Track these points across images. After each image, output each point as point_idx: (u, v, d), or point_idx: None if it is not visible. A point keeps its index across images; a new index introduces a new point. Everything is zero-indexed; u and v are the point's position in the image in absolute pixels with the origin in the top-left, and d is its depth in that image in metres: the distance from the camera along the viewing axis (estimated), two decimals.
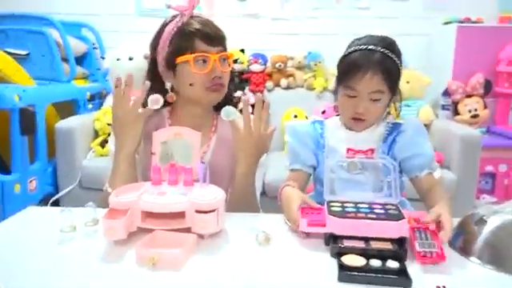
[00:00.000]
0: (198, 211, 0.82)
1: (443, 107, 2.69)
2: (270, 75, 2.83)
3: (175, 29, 1.06)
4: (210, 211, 0.82)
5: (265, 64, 2.83)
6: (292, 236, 0.88)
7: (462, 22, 2.66)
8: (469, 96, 2.60)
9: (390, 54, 1.03)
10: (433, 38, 2.88)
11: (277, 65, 2.79)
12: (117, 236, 0.80)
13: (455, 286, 0.68)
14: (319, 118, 1.22)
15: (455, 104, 2.63)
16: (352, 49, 1.06)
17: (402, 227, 0.81)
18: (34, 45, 2.40)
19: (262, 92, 2.78)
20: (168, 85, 1.11)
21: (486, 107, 2.60)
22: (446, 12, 2.82)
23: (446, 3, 2.89)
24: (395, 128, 1.11)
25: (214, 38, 1.07)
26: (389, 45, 1.05)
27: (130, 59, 2.55)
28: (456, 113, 2.63)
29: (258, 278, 0.72)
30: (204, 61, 1.06)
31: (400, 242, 0.80)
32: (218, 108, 1.17)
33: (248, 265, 0.76)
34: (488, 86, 2.61)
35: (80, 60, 2.73)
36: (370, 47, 1.03)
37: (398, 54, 1.05)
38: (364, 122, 1.08)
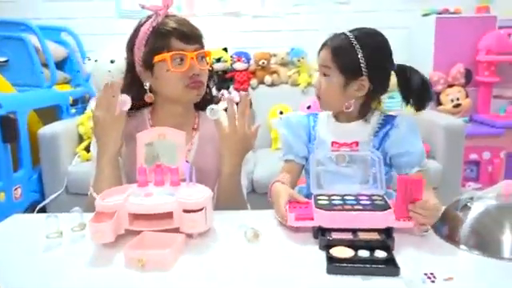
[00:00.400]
0: (185, 211, 0.82)
1: None
2: (253, 73, 2.83)
3: (150, 28, 1.05)
4: (198, 210, 0.82)
5: (248, 62, 2.83)
6: (281, 231, 0.89)
7: (440, 14, 2.70)
8: (450, 86, 2.65)
9: (352, 39, 1.03)
10: (413, 30, 2.91)
11: (260, 62, 2.80)
12: (105, 239, 0.80)
13: (443, 273, 0.69)
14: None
15: (437, 94, 2.67)
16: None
17: (388, 217, 0.82)
18: (12, 51, 2.36)
19: (246, 90, 2.78)
20: (147, 85, 1.10)
21: (467, 96, 2.65)
22: (424, 4, 2.86)
23: None
24: (388, 121, 1.11)
25: (190, 36, 1.07)
26: (361, 34, 1.05)
27: (112, 62, 2.52)
28: (439, 103, 2.67)
29: (247, 275, 0.72)
30: (181, 59, 1.05)
31: (387, 231, 0.81)
32: (198, 106, 1.17)
33: (238, 262, 0.76)
34: (469, 76, 2.66)
35: (61, 65, 2.70)
36: (341, 31, 1.07)
37: (368, 46, 1.03)
38: (320, 101, 1.11)
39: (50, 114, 2.37)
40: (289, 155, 1.15)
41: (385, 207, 0.84)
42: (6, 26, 2.45)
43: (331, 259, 0.73)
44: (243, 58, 2.81)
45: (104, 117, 1.04)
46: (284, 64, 2.88)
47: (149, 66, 1.07)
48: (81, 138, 2.32)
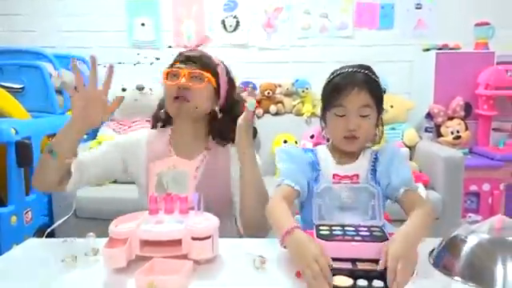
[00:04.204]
0: (193, 238, 0.87)
1: (426, 129, 2.78)
2: (259, 102, 2.90)
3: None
4: (206, 238, 0.87)
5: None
6: (285, 258, 0.91)
7: (440, 49, 2.78)
8: (450, 118, 2.70)
9: (371, 75, 1.09)
10: (414, 63, 3.00)
11: (266, 92, 2.89)
12: (117, 264, 0.84)
13: None
14: (309, 146, 1.26)
15: (438, 126, 2.72)
16: (334, 74, 1.12)
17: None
18: (28, 78, 2.46)
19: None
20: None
21: (467, 129, 2.70)
22: (425, 39, 2.96)
23: (425, 31, 3.03)
24: (376, 156, 1.13)
25: (190, 57, 1.18)
26: (367, 68, 1.10)
27: (123, 90, 2.63)
28: (439, 135, 2.72)
29: None
30: (174, 75, 1.15)
31: None
32: (213, 133, 1.23)
33: (242, 283, 0.81)
34: (468, 109, 2.72)
35: None
36: (349, 70, 1.09)
37: (376, 77, 1.11)
38: (357, 140, 1.08)
39: None
40: (288, 180, 1.09)
41: (383, 238, 0.88)
42: (23, 54, 2.58)
43: None
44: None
45: (96, 98, 1.05)
46: (289, 94, 2.97)
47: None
48: None
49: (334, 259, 0.84)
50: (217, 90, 1.21)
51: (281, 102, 2.93)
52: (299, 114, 2.89)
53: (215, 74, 1.19)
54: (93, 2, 3.05)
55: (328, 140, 1.20)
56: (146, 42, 2.99)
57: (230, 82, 1.26)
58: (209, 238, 0.87)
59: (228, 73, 1.26)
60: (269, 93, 2.89)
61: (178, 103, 1.15)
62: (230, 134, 1.15)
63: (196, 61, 1.18)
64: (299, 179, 1.09)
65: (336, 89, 1.07)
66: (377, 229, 0.94)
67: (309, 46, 3.06)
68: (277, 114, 2.91)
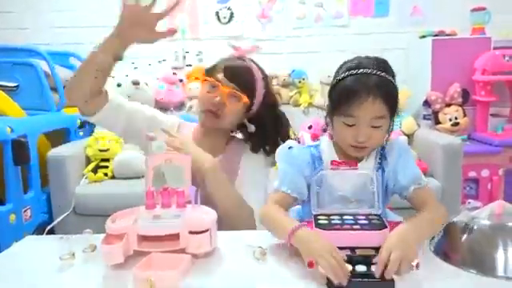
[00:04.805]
0: (191, 232, 0.86)
1: (424, 117, 2.78)
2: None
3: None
4: (203, 231, 0.86)
5: None
6: (284, 250, 0.90)
7: (436, 35, 2.77)
8: (448, 105, 2.70)
9: (386, 76, 0.96)
10: (410, 51, 2.99)
11: None
12: (115, 260, 0.84)
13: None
14: (307, 137, 1.23)
15: (436, 113, 2.72)
16: (344, 74, 0.98)
17: (384, 236, 0.86)
18: (22, 76, 2.44)
19: None
20: None
21: (465, 115, 2.70)
22: (420, 26, 2.95)
23: (421, 18, 3.01)
24: (382, 152, 1.07)
25: (235, 75, 1.19)
26: (382, 66, 0.98)
27: (118, 85, 2.62)
28: (437, 122, 2.72)
29: (250, 285, 0.76)
30: (213, 86, 1.18)
31: None
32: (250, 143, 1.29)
33: (242, 280, 0.80)
34: (466, 95, 2.72)
35: None
36: (364, 71, 0.96)
37: (393, 75, 1.00)
38: (365, 150, 1.01)
39: (59, 136, 2.43)
40: (285, 187, 1.03)
41: (381, 226, 0.88)
42: (17, 52, 2.55)
43: None
44: None
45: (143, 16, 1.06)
46: (285, 85, 2.95)
47: None
48: (88, 160, 2.38)
49: None
50: (250, 104, 1.22)
51: (278, 93, 2.91)
52: (296, 104, 2.88)
53: (253, 91, 1.21)
54: None
55: (325, 130, 1.17)
56: None
57: (268, 95, 1.27)
58: (206, 231, 0.87)
59: (267, 85, 1.27)
60: None
61: (208, 117, 1.19)
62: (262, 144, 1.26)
63: (238, 79, 1.19)
64: (297, 184, 1.03)
65: (347, 95, 0.95)
66: (375, 217, 0.94)
67: (304, 36, 3.04)
68: None
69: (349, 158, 1.03)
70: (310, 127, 2.67)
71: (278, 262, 0.86)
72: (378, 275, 0.76)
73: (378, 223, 0.90)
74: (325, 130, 1.17)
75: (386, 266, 0.76)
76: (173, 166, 1.06)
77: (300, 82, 2.88)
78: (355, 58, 1.01)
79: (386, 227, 0.87)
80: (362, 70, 0.96)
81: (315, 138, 2.20)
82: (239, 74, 1.20)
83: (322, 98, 2.77)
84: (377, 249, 0.84)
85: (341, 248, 0.84)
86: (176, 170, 1.05)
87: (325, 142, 1.10)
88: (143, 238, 0.88)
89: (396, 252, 0.77)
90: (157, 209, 0.94)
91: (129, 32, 1.07)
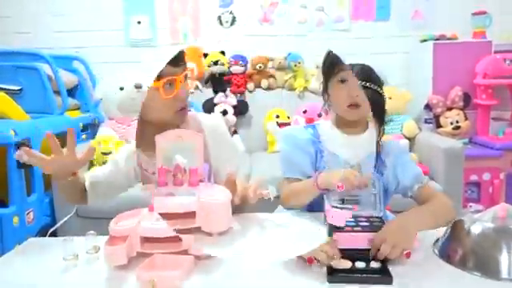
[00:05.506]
0: (207, 211, 0.81)
1: (426, 121, 2.78)
2: (250, 76, 2.88)
3: None
4: (221, 209, 0.82)
5: (245, 65, 2.87)
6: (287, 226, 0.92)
7: (437, 39, 2.78)
8: (449, 109, 2.70)
9: (371, 86, 1.06)
10: (412, 55, 3.00)
11: (257, 66, 2.85)
12: (118, 262, 0.85)
13: None
14: (302, 121, 1.25)
15: (437, 117, 2.72)
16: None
17: None
18: (26, 80, 2.45)
19: (243, 93, 2.82)
20: None
21: (466, 119, 2.69)
22: (422, 30, 2.95)
23: (422, 22, 3.02)
24: (378, 156, 1.13)
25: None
26: (367, 75, 1.07)
27: (121, 89, 2.62)
28: (438, 125, 2.72)
29: (252, 284, 0.78)
30: (170, 84, 1.09)
31: None
32: None
33: (244, 280, 0.81)
34: (467, 99, 2.72)
35: (72, 91, 2.79)
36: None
37: (379, 82, 1.08)
38: (359, 109, 1.08)
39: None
40: (292, 173, 1.13)
41: (381, 228, 0.89)
42: (20, 56, 2.56)
43: (331, 270, 0.80)
44: (240, 62, 2.86)
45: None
46: (281, 68, 2.92)
47: None
48: (90, 163, 2.39)
49: None
50: None
51: (273, 77, 2.89)
52: (291, 88, 2.85)
53: None
54: (88, 1, 3.05)
55: (320, 116, 1.21)
56: (143, 40, 2.99)
57: None
58: (222, 209, 0.82)
59: None
60: (260, 67, 2.85)
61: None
62: None
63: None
64: (300, 165, 1.12)
65: (337, 58, 1.09)
66: (376, 219, 0.95)
67: (306, 41, 3.04)
68: (269, 88, 2.88)
69: (348, 126, 1.12)
70: (304, 112, 2.64)
71: (278, 260, 0.87)
72: (371, 257, 0.81)
73: (378, 225, 0.91)
74: (320, 115, 1.21)
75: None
76: (183, 143, 1.01)
77: (296, 65, 2.84)
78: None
79: None
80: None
81: (310, 122, 2.20)
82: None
83: (317, 83, 2.70)
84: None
85: (342, 249, 0.85)
86: (187, 147, 0.97)
87: (322, 123, 1.18)
88: (146, 240, 0.88)
89: (391, 237, 0.82)
90: (169, 187, 0.90)
91: (59, 173, 1.11)
